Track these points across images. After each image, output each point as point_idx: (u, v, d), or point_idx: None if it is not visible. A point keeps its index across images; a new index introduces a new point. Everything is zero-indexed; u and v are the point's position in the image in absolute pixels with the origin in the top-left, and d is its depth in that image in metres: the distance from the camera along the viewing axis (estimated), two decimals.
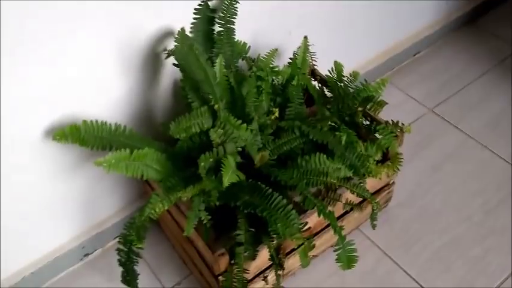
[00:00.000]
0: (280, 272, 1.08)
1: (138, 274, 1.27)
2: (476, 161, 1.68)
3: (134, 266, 1.25)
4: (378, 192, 1.44)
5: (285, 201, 1.02)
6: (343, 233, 1.11)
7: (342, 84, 1.41)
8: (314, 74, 1.42)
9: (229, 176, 0.99)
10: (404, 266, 1.44)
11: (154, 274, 1.46)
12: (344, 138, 1.21)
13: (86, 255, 1.48)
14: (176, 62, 1.17)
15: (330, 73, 1.43)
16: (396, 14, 1.83)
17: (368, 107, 1.22)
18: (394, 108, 1.81)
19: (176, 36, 1.14)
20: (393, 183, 1.48)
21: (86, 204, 1.39)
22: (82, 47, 1.11)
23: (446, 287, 1.39)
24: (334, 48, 1.65)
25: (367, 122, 1.36)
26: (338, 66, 1.44)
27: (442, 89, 1.92)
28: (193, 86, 1.12)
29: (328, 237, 1.36)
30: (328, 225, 1.33)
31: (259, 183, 1.06)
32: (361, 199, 1.29)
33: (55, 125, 1.17)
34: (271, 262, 1.11)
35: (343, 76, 1.42)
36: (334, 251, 1.11)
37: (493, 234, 1.50)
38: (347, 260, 1.12)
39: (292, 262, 1.32)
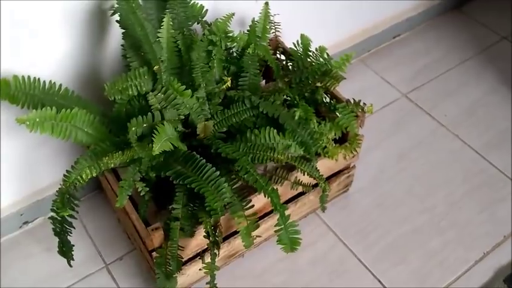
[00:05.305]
0: (216, 251, 1.00)
1: (73, 245, 1.19)
2: (445, 151, 1.61)
3: (68, 237, 1.18)
4: (336, 175, 1.36)
5: (217, 173, 0.94)
6: (287, 212, 1.04)
7: (308, 58, 1.33)
8: (277, 45, 1.33)
9: (162, 143, 0.91)
10: (358, 254, 1.37)
11: (96, 247, 1.38)
12: (298, 113, 1.13)
13: (26, 223, 1.40)
14: (119, 18, 1.07)
15: (295, 46, 1.35)
16: None
17: (325, 81, 1.13)
18: (366, 91, 1.76)
19: None
20: (354, 166, 1.41)
21: (24, 169, 1.31)
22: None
23: (400, 277, 1.33)
24: (307, 23, 1.56)
25: (328, 100, 1.28)
26: (305, 40, 1.36)
27: (419, 74, 1.83)
28: (134, 44, 1.03)
29: None
30: None
31: (193, 153, 0.97)
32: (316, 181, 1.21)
33: None
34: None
35: (309, 51, 1.34)
36: (276, 231, 1.04)
37: (454, 227, 1.43)
38: (290, 242, 1.05)
39: (240, 242, 1.24)
